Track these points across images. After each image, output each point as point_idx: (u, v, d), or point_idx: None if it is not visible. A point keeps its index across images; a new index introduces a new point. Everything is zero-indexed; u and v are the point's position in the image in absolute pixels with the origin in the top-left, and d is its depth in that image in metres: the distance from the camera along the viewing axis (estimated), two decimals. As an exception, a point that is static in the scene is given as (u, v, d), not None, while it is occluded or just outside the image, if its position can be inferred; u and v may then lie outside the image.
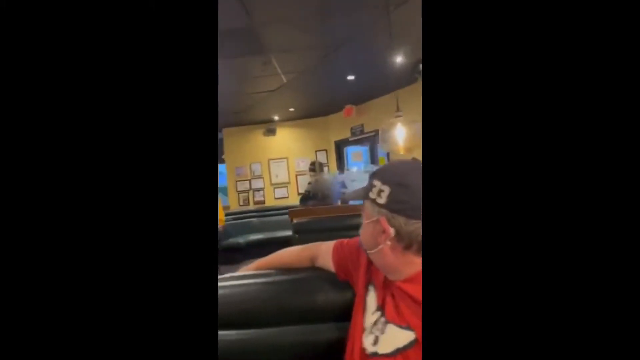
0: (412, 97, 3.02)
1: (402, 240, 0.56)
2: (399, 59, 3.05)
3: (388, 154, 4.31)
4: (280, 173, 5.39)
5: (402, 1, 2.11)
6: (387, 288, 0.60)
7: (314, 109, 4.87)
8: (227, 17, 2.14)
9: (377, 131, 4.49)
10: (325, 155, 5.27)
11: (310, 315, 0.66)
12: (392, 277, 0.59)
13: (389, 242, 0.57)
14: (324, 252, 0.75)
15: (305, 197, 3.35)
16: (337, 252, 0.72)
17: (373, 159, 4.69)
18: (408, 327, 0.54)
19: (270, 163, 5.39)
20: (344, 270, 0.69)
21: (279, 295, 0.69)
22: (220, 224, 3.61)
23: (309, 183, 3.30)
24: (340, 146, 5.21)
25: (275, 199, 5.36)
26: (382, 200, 0.57)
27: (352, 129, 4.86)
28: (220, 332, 0.69)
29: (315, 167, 3.36)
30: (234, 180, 5.35)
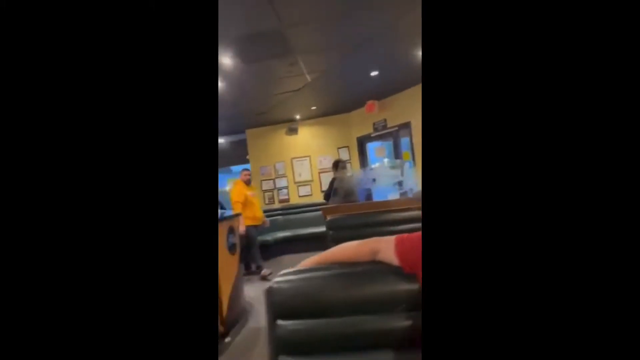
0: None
1: None
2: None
3: (412, 148, 4.28)
4: (303, 171, 5.44)
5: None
6: None
7: (335, 106, 4.89)
8: (257, 20, 2.18)
9: (400, 125, 4.46)
10: (348, 152, 5.28)
11: (381, 305, 0.69)
12: None
13: None
14: (384, 247, 0.77)
15: (328, 195, 3.38)
16: (400, 246, 0.74)
17: (397, 154, 4.66)
18: None
19: (293, 162, 5.45)
20: (410, 263, 0.71)
21: (348, 285, 0.73)
22: (258, 223, 3.71)
23: (332, 180, 3.32)
24: (362, 142, 5.21)
25: (299, 196, 5.42)
26: None
27: (374, 124, 4.85)
28: (291, 322, 0.73)
29: (338, 166, 3.38)
30: (259, 179, 5.45)
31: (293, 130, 5.39)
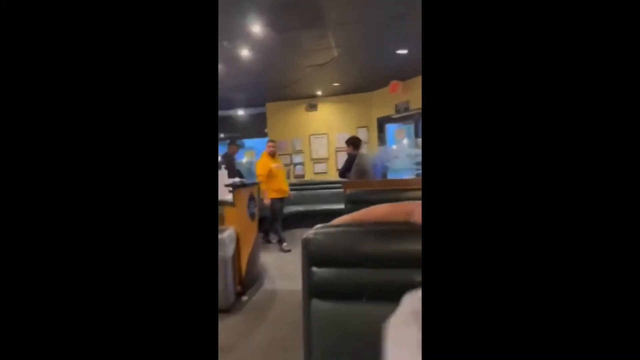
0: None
1: None
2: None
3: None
4: (320, 149, 5.46)
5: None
6: None
7: (358, 84, 4.82)
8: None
9: (423, 108, 4.39)
10: (367, 132, 5.25)
11: (413, 261, 0.73)
12: None
13: None
14: (418, 210, 0.81)
15: (343, 173, 3.39)
16: None
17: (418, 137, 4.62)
18: None
19: (311, 138, 5.46)
20: None
21: (381, 240, 0.77)
22: (285, 195, 3.73)
23: (350, 157, 3.32)
24: (382, 123, 5.16)
25: (315, 173, 5.46)
26: None
27: (396, 105, 4.78)
28: (326, 269, 0.78)
29: (354, 142, 3.36)
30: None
31: (313, 107, 5.37)
